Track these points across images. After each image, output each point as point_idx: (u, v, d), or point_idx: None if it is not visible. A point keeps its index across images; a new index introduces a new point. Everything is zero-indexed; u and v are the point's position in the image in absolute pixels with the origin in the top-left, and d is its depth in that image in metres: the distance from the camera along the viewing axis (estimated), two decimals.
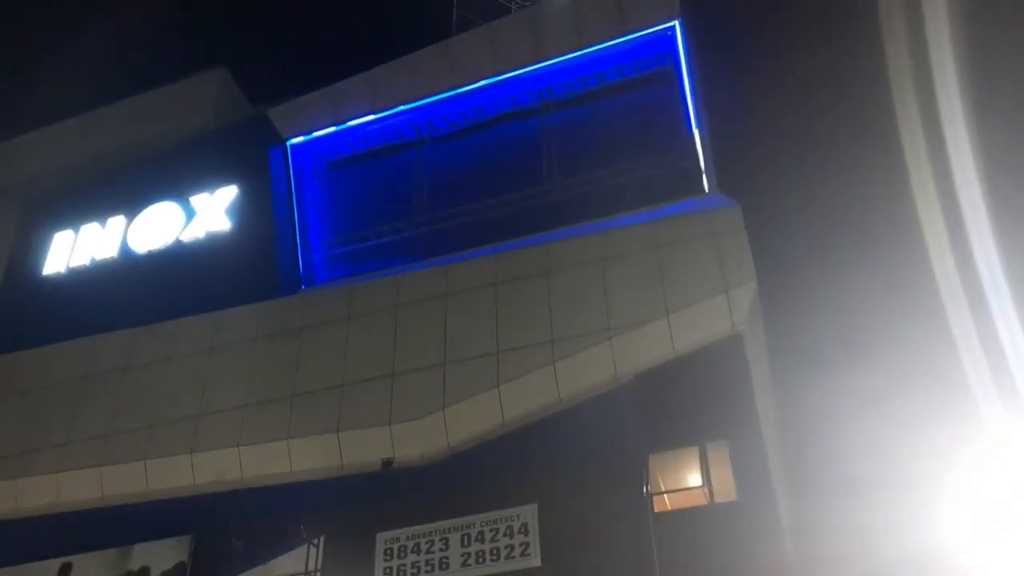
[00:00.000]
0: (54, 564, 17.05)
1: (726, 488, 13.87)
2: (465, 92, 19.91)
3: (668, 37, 18.80)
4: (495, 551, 14.46)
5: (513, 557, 14.29)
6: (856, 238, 14.63)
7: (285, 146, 20.94)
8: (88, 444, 18.00)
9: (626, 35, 18.94)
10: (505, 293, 16.60)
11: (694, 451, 14.35)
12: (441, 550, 14.77)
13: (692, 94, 18.03)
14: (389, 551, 15.05)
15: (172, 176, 21.40)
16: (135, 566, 16.54)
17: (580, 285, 16.11)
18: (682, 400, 14.75)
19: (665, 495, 14.64)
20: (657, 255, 15.84)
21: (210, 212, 20.45)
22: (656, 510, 14.05)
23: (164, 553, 16.43)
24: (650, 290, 15.52)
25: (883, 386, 13.24)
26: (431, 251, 18.41)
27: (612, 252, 16.24)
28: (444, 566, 14.61)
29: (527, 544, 14.33)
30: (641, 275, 15.76)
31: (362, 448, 16.02)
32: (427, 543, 14.92)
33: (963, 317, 13.03)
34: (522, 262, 16.84)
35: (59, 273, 21.49)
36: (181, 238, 20.49)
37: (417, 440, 15.77)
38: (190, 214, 20.66)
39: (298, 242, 19.82)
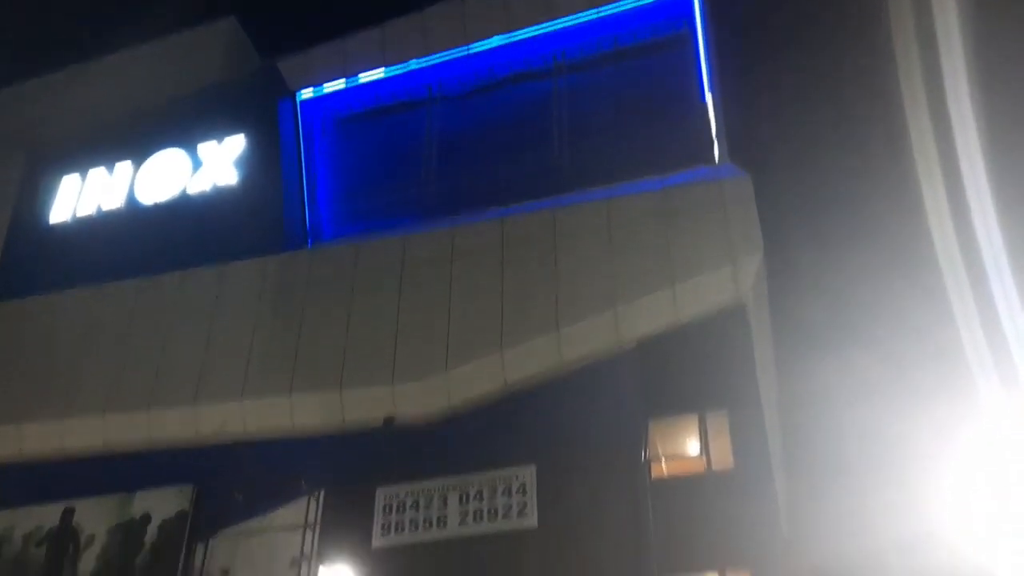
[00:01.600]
0: (57, 508, 17.22)
1: (723, 457, 13.92)
2: (477, 52, 19.70)
3: (686, 2, 18.55)
4: (493, 510, 14.61)
5: (510, 517, 14.44)
6: (864, 217, 14.59)
7: (294, 98, 20.77)
8: (92, 391, 18.11)
9: None
10: (511, 256, 16.56)
11: (693, 419, 14.39)
12: (440, 507, 14.92)
13: (707, 61, 17.83)
14: (388, 506, 15.21)
15: (180, 125, 21.26)
16: (137, 513, 16.72)
17: (586, 251, 16.07)
18: (684, 368, 14.76)
19: (663, 462, 14.72)
20: (665, 223, 15.78)
21: (217, 163, 20.35)
22: (653, 476, 14.13)
23: (166, 501, 16.59)
24: (656, 258, 15.49)
25: (884, 364, 13.30)
26: (438, 211, 18.31)
27: (620, 219, 16.17)
28: (442, 523, 14.77)
29: (524, 504, 14.47)
30: (648, 243, 15.72)
31: (364, 405, 16.10)
32: (426, 500, 15.07)
33: (965, 298, 13.04)
34: (529, 226, 16.79)
35: (65, 221, 21.44)
36: (188, 189, 20.42)
37: (419, 399, 15.85)
38: (197, 164, 20.57)
39: (305, 197, 19.73)
